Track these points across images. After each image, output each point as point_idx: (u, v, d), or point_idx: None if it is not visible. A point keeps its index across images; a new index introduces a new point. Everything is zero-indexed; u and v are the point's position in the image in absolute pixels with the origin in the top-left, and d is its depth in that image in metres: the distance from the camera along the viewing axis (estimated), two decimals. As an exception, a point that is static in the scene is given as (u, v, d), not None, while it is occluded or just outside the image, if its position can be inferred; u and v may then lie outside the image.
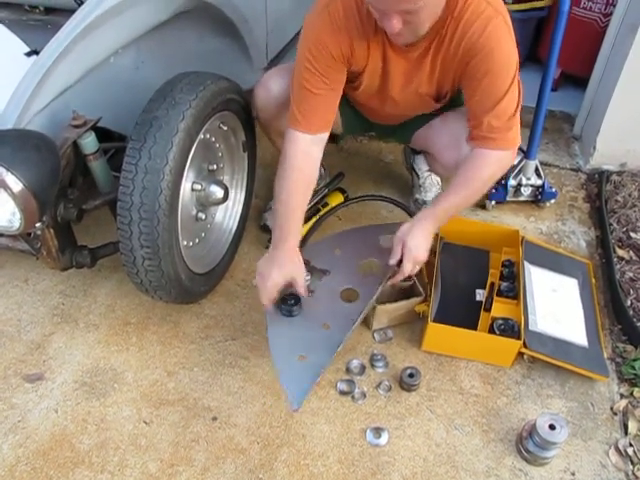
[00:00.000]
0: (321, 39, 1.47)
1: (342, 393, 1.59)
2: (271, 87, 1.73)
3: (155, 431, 1.51)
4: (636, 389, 1.61)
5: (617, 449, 1.48)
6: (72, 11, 1.47)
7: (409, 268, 1.57)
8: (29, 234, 1.48)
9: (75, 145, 1.45)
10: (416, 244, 1.55)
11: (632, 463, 1.46)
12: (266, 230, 2.03)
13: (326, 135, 1.59)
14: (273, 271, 1.49)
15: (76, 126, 1.44)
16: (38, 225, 1.41)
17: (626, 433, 1.52)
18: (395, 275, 1.61)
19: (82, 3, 1.49)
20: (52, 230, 1.49)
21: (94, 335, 1.74)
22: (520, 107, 1.53)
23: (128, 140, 1.44)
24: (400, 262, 1.58)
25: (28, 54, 1.58)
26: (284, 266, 1.50)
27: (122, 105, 1.61)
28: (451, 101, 1.73)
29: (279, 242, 1.53)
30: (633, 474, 1.44)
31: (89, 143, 1.47)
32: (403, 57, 1.54)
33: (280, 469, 1.43)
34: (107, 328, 1.76)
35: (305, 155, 1.56)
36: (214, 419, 1.53)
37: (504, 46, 1.44)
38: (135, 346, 1.71)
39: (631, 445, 1.49)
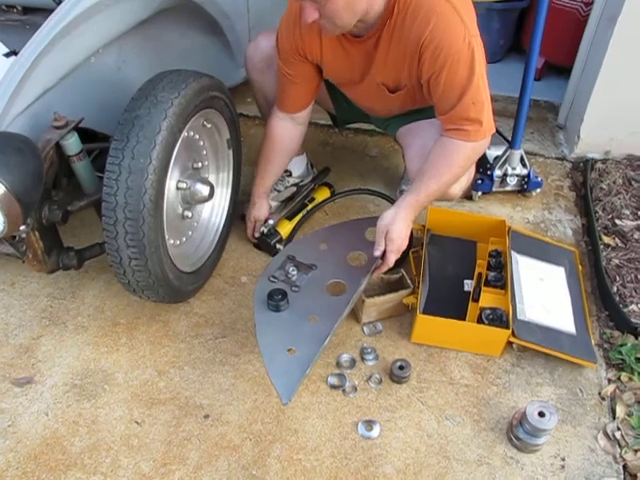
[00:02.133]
0: (280, 33, 1.66)
1: (333, 387, 1.60)
2: (260, 43, 1.84)
3: (147, 431, 1.51)
4: (623, 374, 1.63)
5: (605, 433, 1.50)
6: (51, 11, 1.46)
7: (393, 259, 1.59)
8: (14, 237, 1.47)
9: (58, 146, 1.44)
10: (399, 234, 1.57)
11: (620, 446, 1.48)
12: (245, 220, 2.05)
13: (303, 114, 1.82)
14: (248, 218, 1.97)
15: (58, 127, 1.43)
16: (23, 228, 1.40)
17: (614, 417, 1.54)
18: (380, 266, 1.62)
19: (60, 2, 1.48)
20: (37, 232, 1.48)
21: (83, 337, 1.73)
22: (488, 93, 1.52)
23: (111, 140, 1.43)
24: (384, 253, 1.59)
25: (7, 55, 1.57)
26: (250, 212, 1.95)
27: (105, 105, 1.60)
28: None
29: (253, 192, 1.94)
30: (621, 457, 1.46)
31: (72, 144, 1.46)
32: (357, 48, 1.57)
33: (273, 465, 1.44)
34: (96, 329, 1.75)
35: (281, 129, 1.83)
36: (206, 417, 1.53)
37: (454, 37, 1.42)
38: (125, 346, 1.70)
39: (619, 429, 1.50)
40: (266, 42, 1.80)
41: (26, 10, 1.79)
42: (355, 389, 1.60)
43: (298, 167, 2.14)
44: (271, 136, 1.84)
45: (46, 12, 1.48)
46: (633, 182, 2.25)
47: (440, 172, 1.57)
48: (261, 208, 1.94)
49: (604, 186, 2.24)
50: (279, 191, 2.11)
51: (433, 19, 1.41)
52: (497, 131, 1.67)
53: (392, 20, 1.47)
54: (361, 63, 1.62)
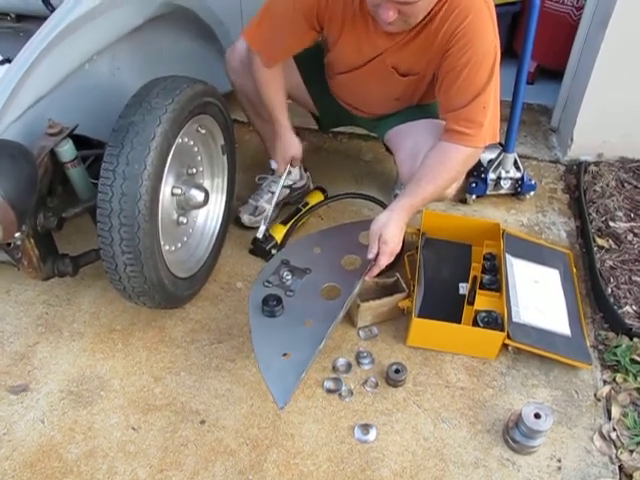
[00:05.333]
0: None
1: (329, 391, 1.60)
2: (237, 45, 1.82)
3: (143, 437, 1.50)
4: (618, 375, 1.63)
5: (601, 434, 1.51)
6: (44, 18, 1.46)
7: (385, 262, 1.58)
8: (9, 244, 1.46)
9: (52, 153, 1.45)
10: (392, 237, 1.56)
11: (615, 447, 1.48)
12: (239, 224, 2.05)
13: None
14: (278, 157, 1.88)
15: (52, 134, 1.43)
16: (17, 235, 1.40)
17: (609, 418, 1.55)
18: (372, 269, 1.60)
19: (54, 9, 1.49)
20: (32, 240, 1.48)
21: (79, 343, 1.72)
22: (499, 102, 1.54)
23: (106, 147, 1.44)
24: (377, 256, 1.58)
25: (1, 62, 1.57)
26: (285, 152, 1.86)
27: (99, 112, 1.61)
28: (426, 110, 1.74)
29: (276, 127, 1.83)
30: (617, 457, 1.46)
31: (66, 151, 1.46)
32: (383, 37, 1.55)
33: (270, 470, 1.44)
34: (92, 336, 1.75)
35: (271, 77, 1.75)
36: (202, 422, 1.53)
37: (485, 37, 1.45)
38: (121, 353, 1.70)
39: (614, 430, 1.51)
40: (243, 44, 1.80)
41: (20, 18, 1.80)
42: (351, 393, 1.60)
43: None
44: (270, 74, 1.74)
45: (40, 20, 1.49)
46: (626, 184, 2.26)
47: (438, 177, 1.57)
48: (294, 144, 1.85)
49: (597, 188, 2.25)
50: (272, 192, 2.10)
51: (470, 15, 1.43)
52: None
53: (434, 19, 1.47)
54: (377, 46, 1.60)
